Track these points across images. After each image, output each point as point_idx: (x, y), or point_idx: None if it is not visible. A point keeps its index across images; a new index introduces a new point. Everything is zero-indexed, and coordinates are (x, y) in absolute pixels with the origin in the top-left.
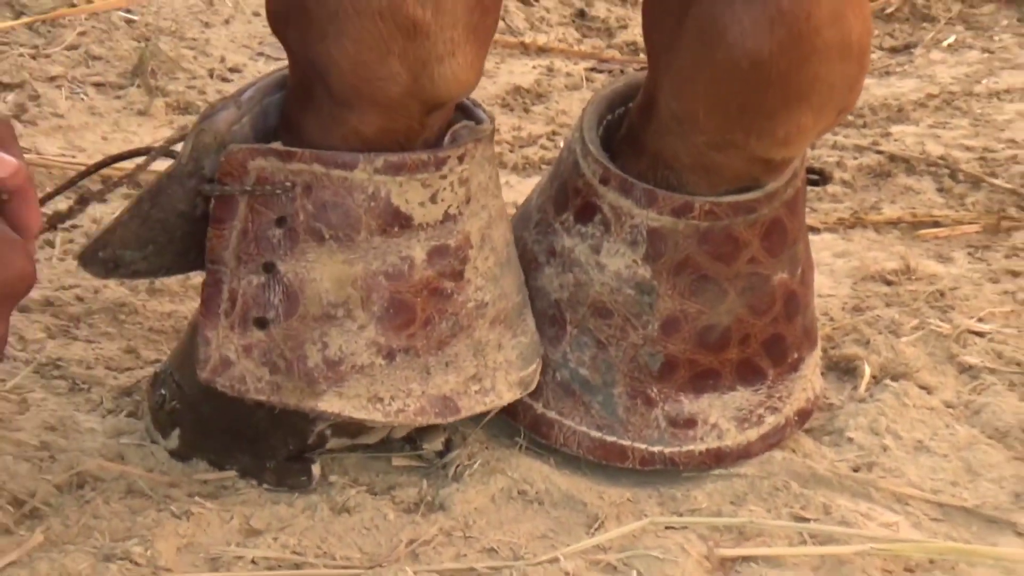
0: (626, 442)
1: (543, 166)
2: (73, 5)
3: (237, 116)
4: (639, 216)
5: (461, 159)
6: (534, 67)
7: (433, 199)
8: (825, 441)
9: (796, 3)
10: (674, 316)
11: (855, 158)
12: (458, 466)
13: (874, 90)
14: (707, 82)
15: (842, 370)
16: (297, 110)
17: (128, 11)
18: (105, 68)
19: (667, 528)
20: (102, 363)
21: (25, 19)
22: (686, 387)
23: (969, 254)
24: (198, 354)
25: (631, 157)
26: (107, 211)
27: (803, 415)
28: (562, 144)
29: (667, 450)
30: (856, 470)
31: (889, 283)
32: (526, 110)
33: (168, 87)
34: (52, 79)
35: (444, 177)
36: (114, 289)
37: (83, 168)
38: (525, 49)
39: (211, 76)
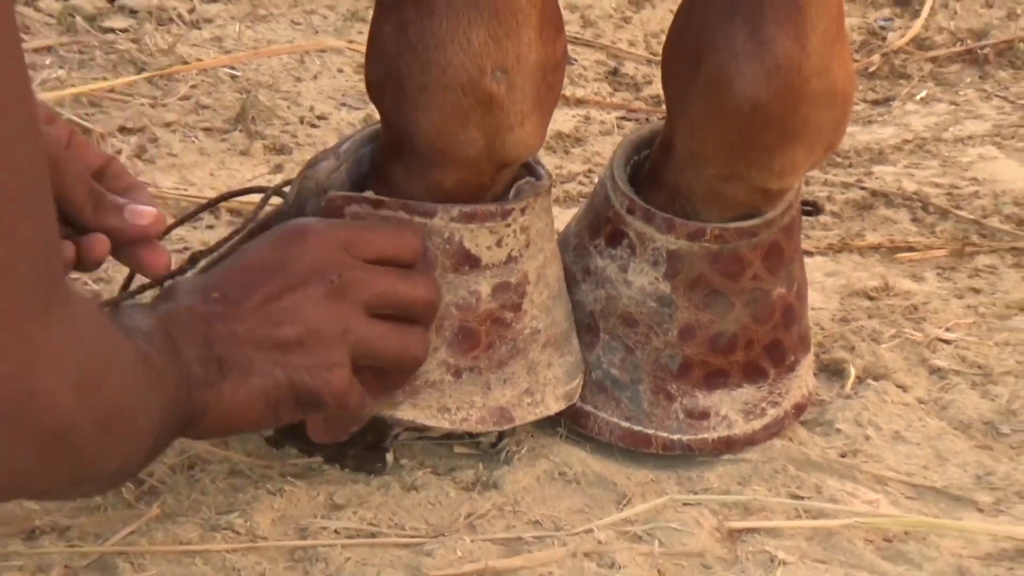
0: (650, 431)
1: (580, 198)
2: (185, 63)
3: (336, 166)
4: (660, 240)
5: (523, 211)
6: (573, 116)
7: (499, 244)
8: (817, 431)
9: (789, 58)
10: (690, 324)
11: (842, 193)
12: (508, 452)
13: (858, 136)
14: (716, 124)
15: (831, 371)
16: (387, 162)
17: (232, 68)
18: (212, 116)
19: (684, 504)
20: None
21: (145, 74)
22: (700, 384)
23: (938, 274)
24: None
25: (653, 191)
26: (216, 235)
27: (799, 409)
28: (596, 180)
29: (684, 438)
30: (843, 455)
31: (871, 298)
32: (566, 152)
33: (265, 132)
34: (168, 124)
35: (508, 225)
36: None
37: (201, 201)
38: (566, 101)
39: (301, 123)
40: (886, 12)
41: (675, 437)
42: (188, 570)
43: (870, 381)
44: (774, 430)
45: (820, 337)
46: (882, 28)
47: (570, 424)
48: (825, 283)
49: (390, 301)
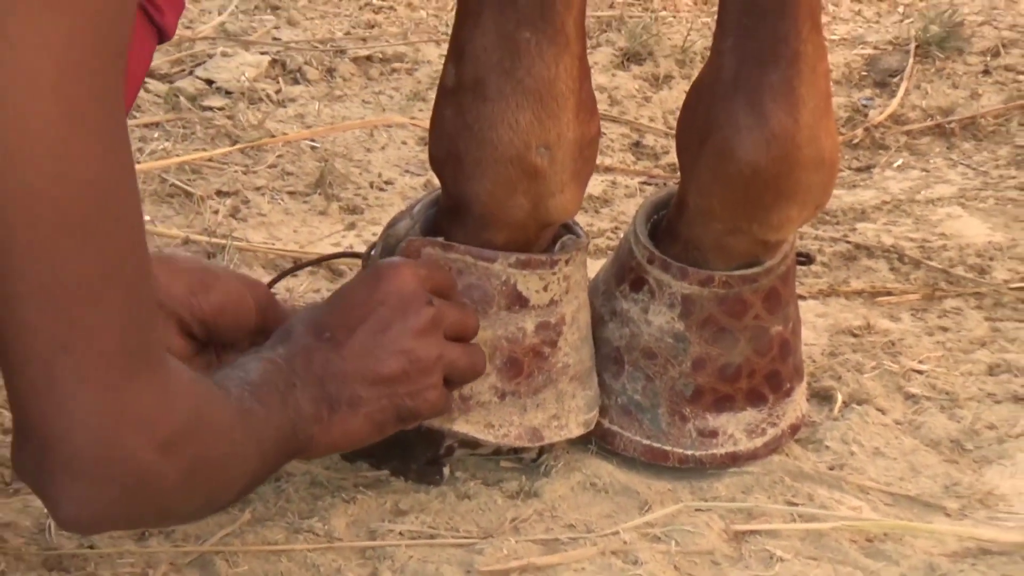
0: (667, 448)
1: (608, 251)
2: (273, 136)
3: (411, 225)
4: (675, 286)
5: (567, 262)
6: (602, 181)
7: (545, 288)
8: (809, 448)
9: (784, 130)
10: (701, 357)
11: (830, 246)
12: (547, 465)
13: (844, 198)
14: (722, 186)
15: (821, 397)
16: (447, 223)
17: (312, 140)
18: (295, 181)
19: (697, 510)
20: None
21: (239, 146)
22: (710, 408)
23: (912, 315)
24: None
25: (669, 244)
26: (307, 284)
27: (794, 429)
28: (621, 236)
29: (697, 453)
30: (831, 468)
31: (855, 336)
32: (596, 211)
33: (340, 195)
34: (257, 188)
35: (554, 273)
36: None
37: (286, 253)
38: (596, 168)
39: (371, 187)
40: (868, 92)
41: (689, 453)
42: (275, 567)
43: (854, 405)
44: (773, 447)
45: (812, 368)
46: (864, 106)
47: (599, 442)
48: (816, 322)
49: (458, 328)
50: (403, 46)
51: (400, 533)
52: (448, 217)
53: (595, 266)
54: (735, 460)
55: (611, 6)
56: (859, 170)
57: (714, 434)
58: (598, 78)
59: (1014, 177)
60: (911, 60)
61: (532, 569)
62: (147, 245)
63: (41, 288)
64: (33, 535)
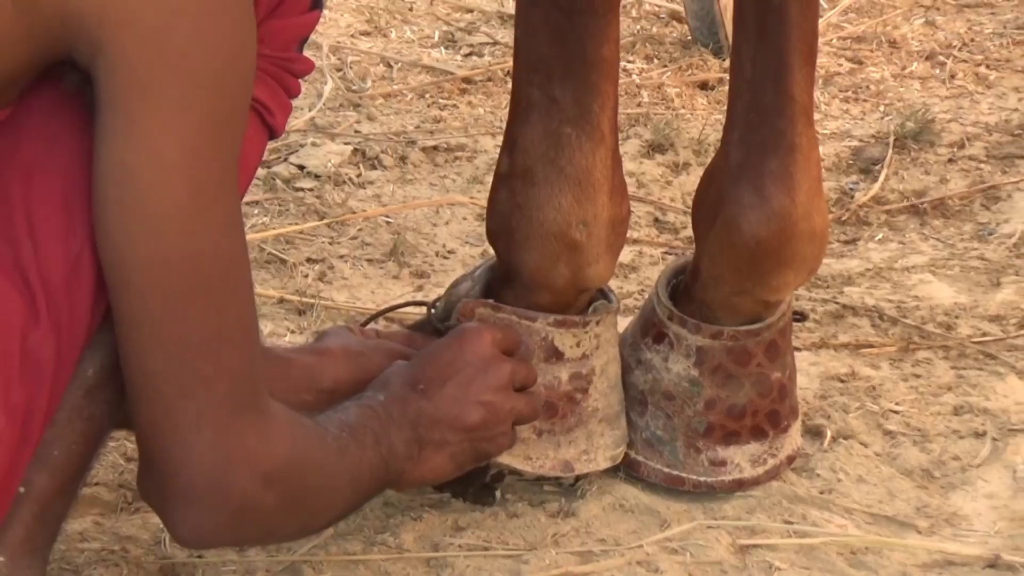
0: (684, 475)
1: (635, 310)
2: (354, 212)
3: (471, 286)
4: (691, 339)
5: (598, 323)
6: (630, 251)
7: (578, 344)
8: (803, 475)
9: (782, 208)
10: (712, 399)
11: (821, 306)
12: (583, 489)
13: (833, 265)
14: (730, 255)
15: (813, 433)
16: (500, 286)
17: (387, 216)
18: (373, 250)
19: (708, 527)
20: None
21: (325, 220)
22: (720, 441)
23: (890, 364)
24: None
25: (686, 303)
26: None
27: (791, 459)
28: (646, 297)
29: (709, 479)
30: (822, 493)
31: (842, 381)
32: (625, 276)
33: (411, 262)
34: (341, 256)
35: (586, 332)
36: None
37: (365, 311)
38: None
39: (437, 255)
40: (854, 178)
41: (702, 479)
42: (353, 574)
43: (841, 440)
44: (773, 474)
45: (805, 408)
46: (851, 189)
47: (627, 470)
48: (809, 370)
49: (523, 381)
50: (464, 138)
51: (459, 546)
52: (501, 281)
53: (624, 322)
54: (741, 485)
55: (638, 105)
56: (846, 242)
57: (723, 463)
58: (628, 165)
59: (976, 249)
60: (890, 151)
61: None
62: (255, 305)
63: (169, 343)
64: (151, 547)
